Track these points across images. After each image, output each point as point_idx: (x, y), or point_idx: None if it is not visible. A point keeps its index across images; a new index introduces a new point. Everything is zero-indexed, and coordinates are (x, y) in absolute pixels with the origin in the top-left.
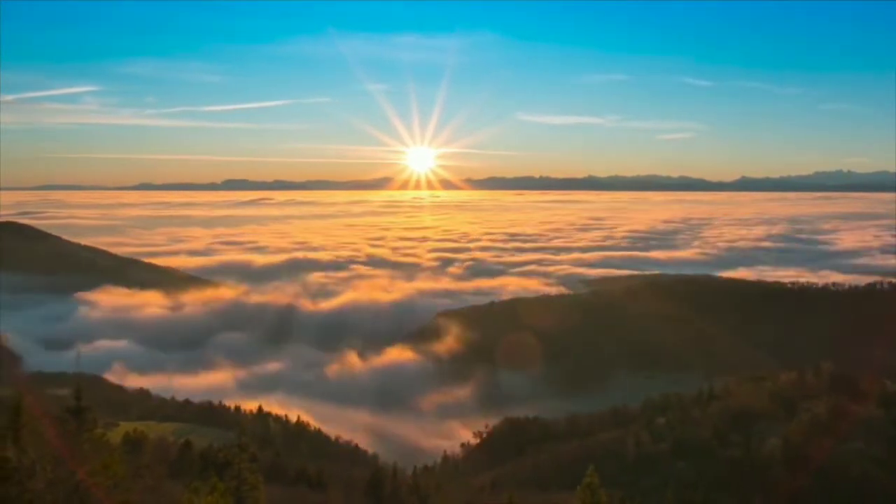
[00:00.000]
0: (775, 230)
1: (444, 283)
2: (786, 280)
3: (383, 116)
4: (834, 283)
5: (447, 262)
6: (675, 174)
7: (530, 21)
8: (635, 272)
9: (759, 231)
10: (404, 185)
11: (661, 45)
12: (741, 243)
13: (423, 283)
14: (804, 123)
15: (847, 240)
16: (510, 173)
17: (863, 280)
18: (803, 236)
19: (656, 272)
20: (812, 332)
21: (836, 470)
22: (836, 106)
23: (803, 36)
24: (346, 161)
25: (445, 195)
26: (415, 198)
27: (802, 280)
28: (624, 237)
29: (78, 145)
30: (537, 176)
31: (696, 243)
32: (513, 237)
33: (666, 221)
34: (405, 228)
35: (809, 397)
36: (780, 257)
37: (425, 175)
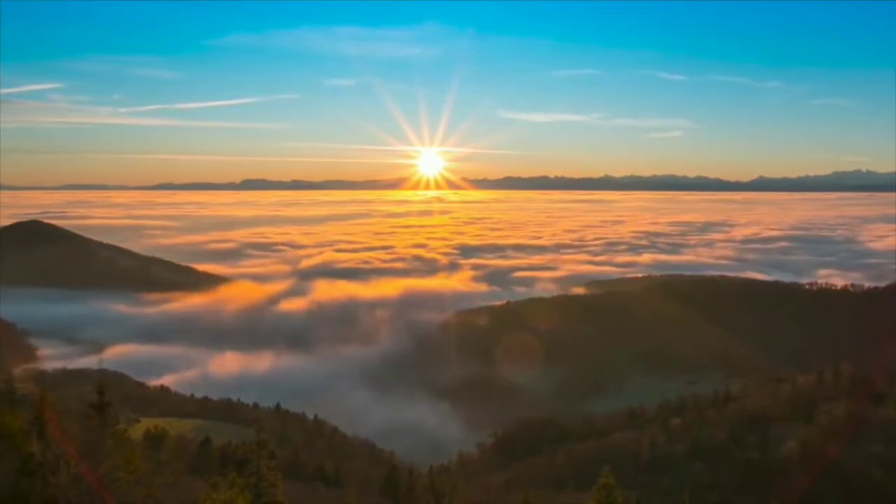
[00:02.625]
0: (794, 231)
1: (461, 282)
2: (804, 281)
3: (360, 114)
4: (853, 285)
5: (465, 261)
6: (691, 174)
7: (483, 13)
8: (652, 273)
9: (777, 232)
10: (416, 185)
11: (623, 38)
12: (759, 244)
13: (439, 282)
14: (796, 120)
15: (867, 240)
16: (518, 173)
17: (882, 281)
18: (822, 237)
19: (673, 273)
20: (831, 333)
21: (854, 473)
22: (829, 101)
23: (771, 29)
24: (349, 161)
25: (463, 196)
26: (436, 197)
27: (821, 281)
28: (642, 237)
29: (69, 145)
30: (553, 176)
31: (715, 244)
32: (533, 237)
33: (688, 223)
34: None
35: (828, 400)
36: (799, 258)
37: (440, 175)
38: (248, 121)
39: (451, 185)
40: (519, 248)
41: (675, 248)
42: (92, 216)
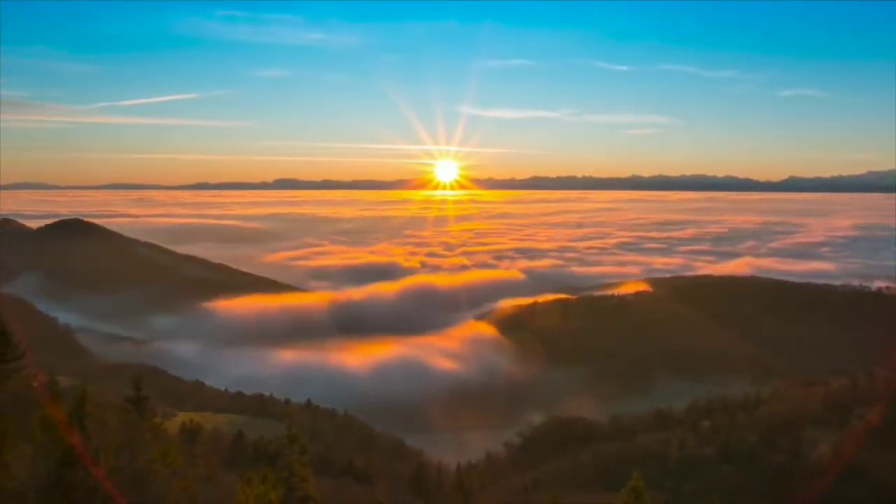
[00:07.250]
0: (829, 233)
1: (487, 282)
2: (837, 283)
3: (310, 107)
4: (888, 287)
5: (489, 260)
6: (720, 174)
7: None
8: (681, 273)
9: (812, 234)
10: (436, 186)
11: (546, 24)
12: (793, 245)
13: (464, 282)
14: (775, 112)
15: None
16: (545, 173)
17: None
18: (857, 238)
19: (703, 273)
20: (863, 336)
21: (888, 480)
22: (800, 92)
23: (711, 14)
24: (347, 161)
25: (503, 196)
26: (473, 197)
27: (854, 283)
28: (671, 238)
29: (61, 144)
30: (580, 176)
31: (747, 245)
32: (561, 237)
33: (719, 223)
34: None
35: (861, 404)
36: (831, 259)
37: (462, 175)
38: (201, 118)
39: (477, 185)
40: (548, 248)
41: (705, 249)
42: (163, 215)
